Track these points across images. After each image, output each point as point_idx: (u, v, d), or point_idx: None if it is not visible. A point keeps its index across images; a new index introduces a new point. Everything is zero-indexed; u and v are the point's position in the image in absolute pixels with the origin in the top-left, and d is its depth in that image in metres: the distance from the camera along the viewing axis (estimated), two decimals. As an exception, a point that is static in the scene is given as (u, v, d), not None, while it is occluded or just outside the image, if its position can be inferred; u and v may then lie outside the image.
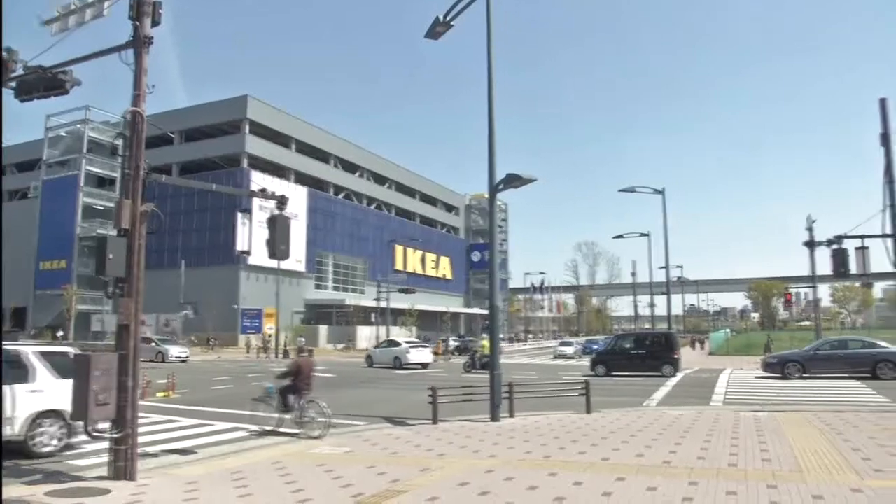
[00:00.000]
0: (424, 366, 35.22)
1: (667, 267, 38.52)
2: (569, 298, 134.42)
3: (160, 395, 19.64)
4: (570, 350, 49.16)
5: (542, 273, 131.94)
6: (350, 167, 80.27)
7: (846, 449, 9.62)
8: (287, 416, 12.55)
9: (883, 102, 15.39)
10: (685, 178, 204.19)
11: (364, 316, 67.71)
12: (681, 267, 74.60)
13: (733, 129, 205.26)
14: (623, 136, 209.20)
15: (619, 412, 14.91)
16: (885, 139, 15.27)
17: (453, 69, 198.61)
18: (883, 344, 24.80)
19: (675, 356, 27.86)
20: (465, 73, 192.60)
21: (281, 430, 12.57)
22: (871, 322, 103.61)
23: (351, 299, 70.25)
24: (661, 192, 36.13)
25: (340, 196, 77.83)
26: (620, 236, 45.01)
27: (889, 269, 15.46)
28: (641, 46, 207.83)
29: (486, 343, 34.91)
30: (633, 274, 74.38)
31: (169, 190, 53.26)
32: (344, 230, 75.99)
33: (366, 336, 62.24)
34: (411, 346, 36.40)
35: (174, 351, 39.99)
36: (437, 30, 14.50)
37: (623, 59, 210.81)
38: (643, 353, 28.33)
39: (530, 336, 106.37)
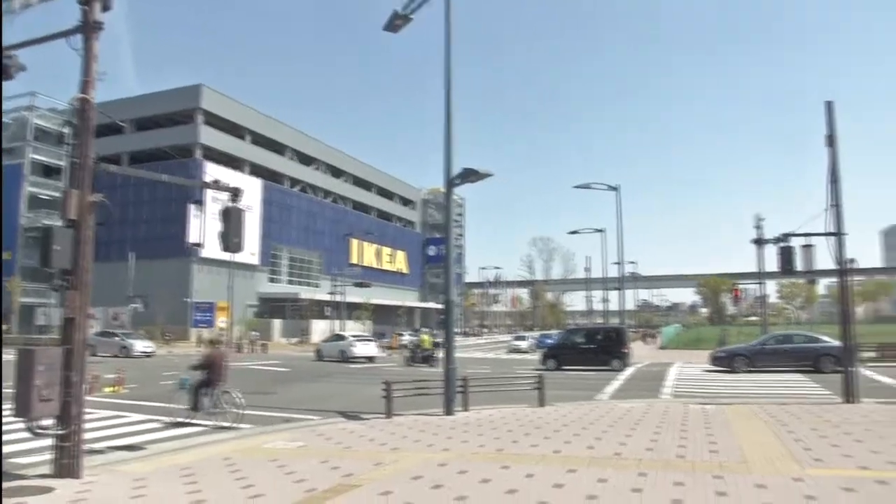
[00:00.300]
0: (370, 359, 35.86)
1: (621, 263, 39.16)
2: (524, 293, 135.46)
3: (108, 390, 19.19)
4: (524, 344, 49.62)
5: (497, 268, 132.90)
6: (306, 160, 79.43)
7: (789, 440, 9.93)
8: (199, 407, 12.70)
9: (829, 105, 15.83)
10: (642, 174, 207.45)
11: (319, 310, 67.22)
12: (634, 263, 75.97)
13: (688, 127, 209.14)
14: (582, 132, 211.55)
15: (571, 405, 15.11)
16: (830, 140, 15.72)
17: (413, 62, 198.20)
18: (825, 338, 25.66)
19: (625, 350, 28.31)
20: (425, 65, 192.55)
21: (193, 421, 12.70)
22: (815, 317, 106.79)
23: (305, 293, 69.59)
24: (615, 188, 36.63)
25: (296, 189, 76.99)
26: (575, 232, 45.43)
27: (832, 266, 15.94)
28: (600, 44, 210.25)
29: (426, 337, 36.66)
30: (587, 269, 75.57)
31: (118, 180, 52.01)
32: (299, 223, 75.18)
33: (320, 330, 61.80)
34: (356, 340, 37.33)
35: (139, 345, 39.02)
36: (395, 23, 14.42)
37: (583, 56, 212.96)
38: (593, 348, 28.67)
39: (485, 330, 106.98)
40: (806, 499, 6.55)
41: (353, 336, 39.08)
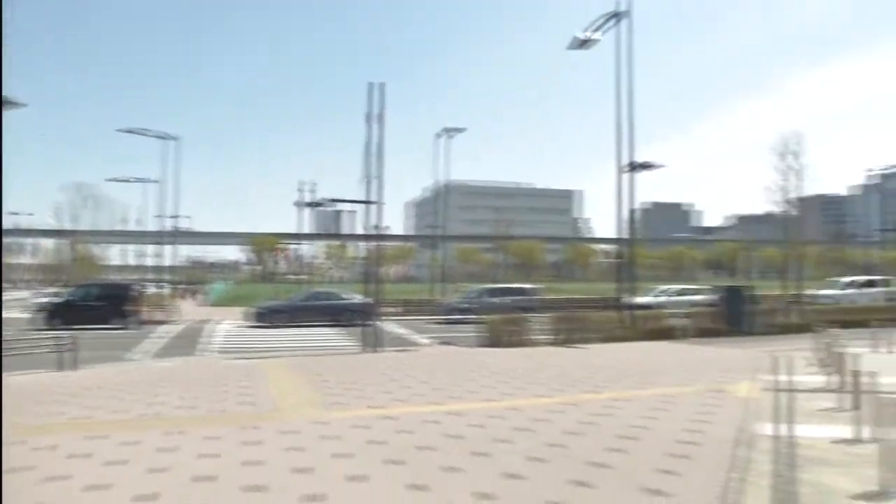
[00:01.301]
0: None
1: (174, 216, 38.01)
2: (60, 244, 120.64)
3: None
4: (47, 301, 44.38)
5: (28, 214, 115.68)
6: None
7: (319, 388, 10.96)
8: None
9: (374, 87, 17.67)
10: (208, 127, 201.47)
11: None
12: (189, 217, 73.57)
13: (242, 85, 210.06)
14: (138, 76, 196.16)
15: (106, 367, 14.25)
16: (371, 118, 17.61)
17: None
18: (349, 295, 29.09)
19: (130, 308, 27.11)
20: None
21: None
22: (355, 276, 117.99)
23: None
24: (170, 137, 35.09)
25: None
26: (120, 180, 42.36)
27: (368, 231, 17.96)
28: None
29: None
30: (125, 220, 70.88)
31: None
32: None
33: None
34: None
35: None
36: None
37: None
38: (104, 305, 26.93)
39: (6, 286, 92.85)
40: (326, 438, 7.35)
41: None
